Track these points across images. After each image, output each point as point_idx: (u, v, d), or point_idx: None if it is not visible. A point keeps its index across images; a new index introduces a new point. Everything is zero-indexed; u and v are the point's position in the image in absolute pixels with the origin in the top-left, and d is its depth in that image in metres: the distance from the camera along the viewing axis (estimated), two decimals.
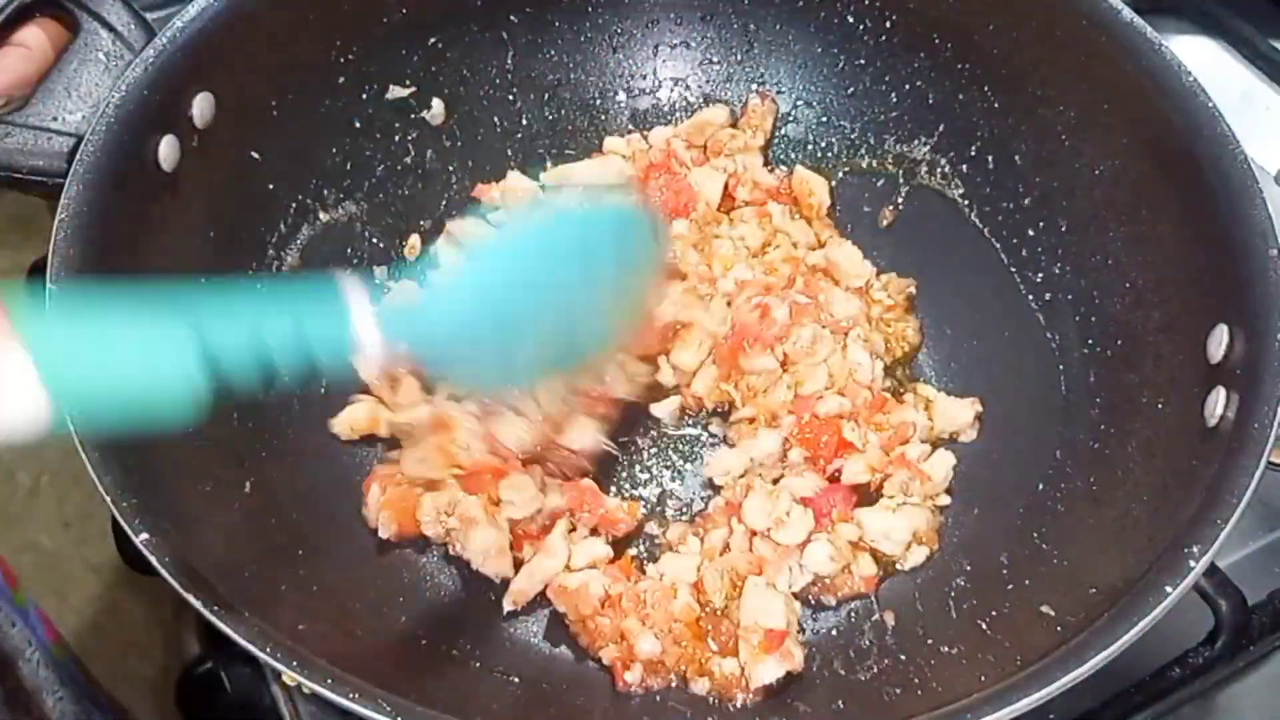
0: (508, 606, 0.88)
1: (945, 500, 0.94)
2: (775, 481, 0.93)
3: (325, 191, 1.00)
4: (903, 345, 1.02)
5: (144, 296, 0.55)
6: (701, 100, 1.11)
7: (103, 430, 0.49)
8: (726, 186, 1.06)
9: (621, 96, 1.11)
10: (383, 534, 0.90)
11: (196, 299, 0.56)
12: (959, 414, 0.97)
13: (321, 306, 0.59)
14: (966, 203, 1.02)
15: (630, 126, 1.11)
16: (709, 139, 1.09)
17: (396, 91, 1.02)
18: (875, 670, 0.85)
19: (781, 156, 1.11)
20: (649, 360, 0.97)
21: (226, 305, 0.55)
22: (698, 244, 1.03)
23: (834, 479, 0.93)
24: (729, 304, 0.99)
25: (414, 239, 1.05)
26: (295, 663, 0.65)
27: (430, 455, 0.91)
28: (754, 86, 1.10)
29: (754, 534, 0.90)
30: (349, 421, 0.94)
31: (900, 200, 1.06)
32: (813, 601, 0.90)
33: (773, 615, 0.84)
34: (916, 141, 1.05)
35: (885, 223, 1.06)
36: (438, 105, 1.04)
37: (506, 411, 0.88)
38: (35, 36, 0.89)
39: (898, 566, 0.91)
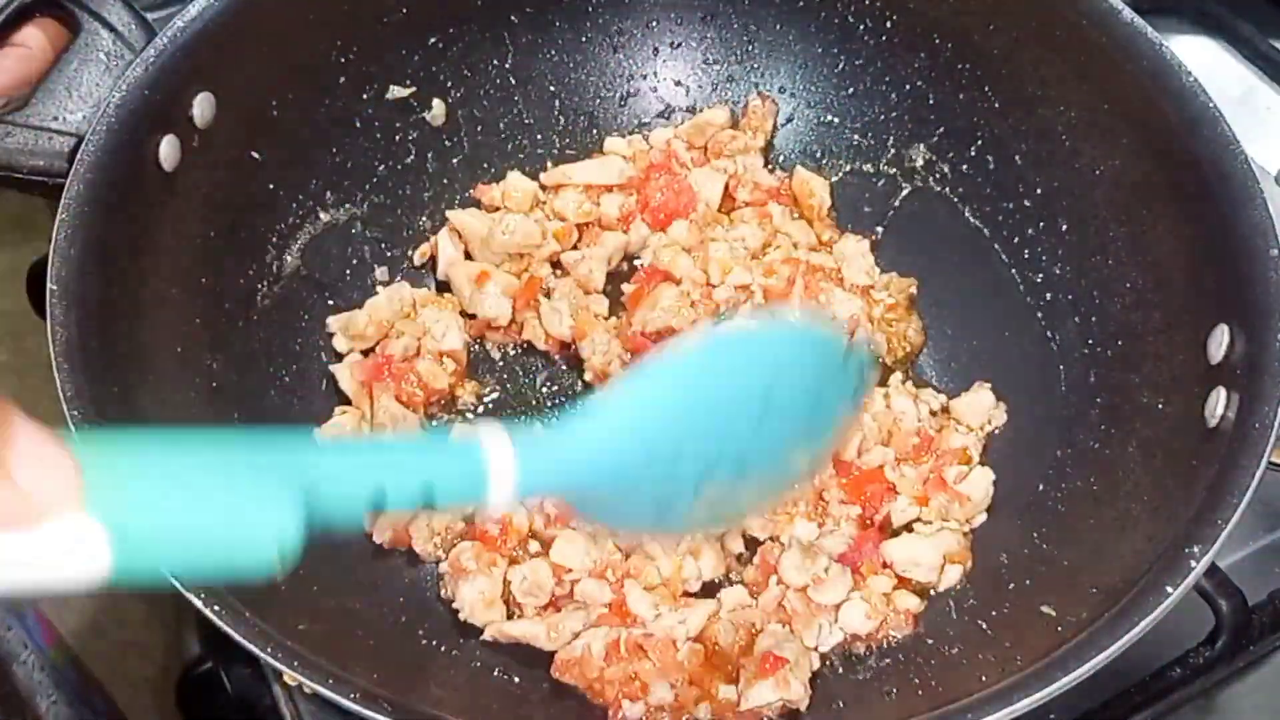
0: (488, 636, 0.86)
1: (982, 519, 0.92)
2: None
3: (325, 191, 1.00)
4: (904, 345, 1.01)
5: (245, 444, 0.51)
6: (702, 101, 1.11)
7: (175, 577, 0.49)
8: (727, 187, 1.06)
9: (622, 96, 1.11)
10: (377, 539, 0.90)
11: (309, 457, 0.54)
12: (981, 400, 0.96)
13: (455, 462, 0.56)
14: (966, 203, 1.02)
15: (631, 127, 1.11)
16: (709, 140, 1.09)
17: (397, 92, 1.02)
18: (875, 670, 0.85)
19: (781, 157, 1.11)
20: None
21: (343, 465, 0.53)
22: (695, 247, 1.03)
23: (871, 522, 0.91)
24: None
25: (424, 246, 1.05)
26: (295, 663, 0.65)
27: None
28: (754, 87, 1.10)
29: (786, 589, 0.87)
30: (332, 431, 0.94)
31: (898, 203, 1.06)
32: (850, 655, 0.87)
33: (784, 650, 0.82)
34: (916, 141, 1.05)
35: (874, 237, 1.06)
36: (438, 106, 1.04)
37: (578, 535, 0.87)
38: (35, 37, 0.89)
39: (933, 591, 0.89)
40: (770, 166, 1.09)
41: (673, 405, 0.61)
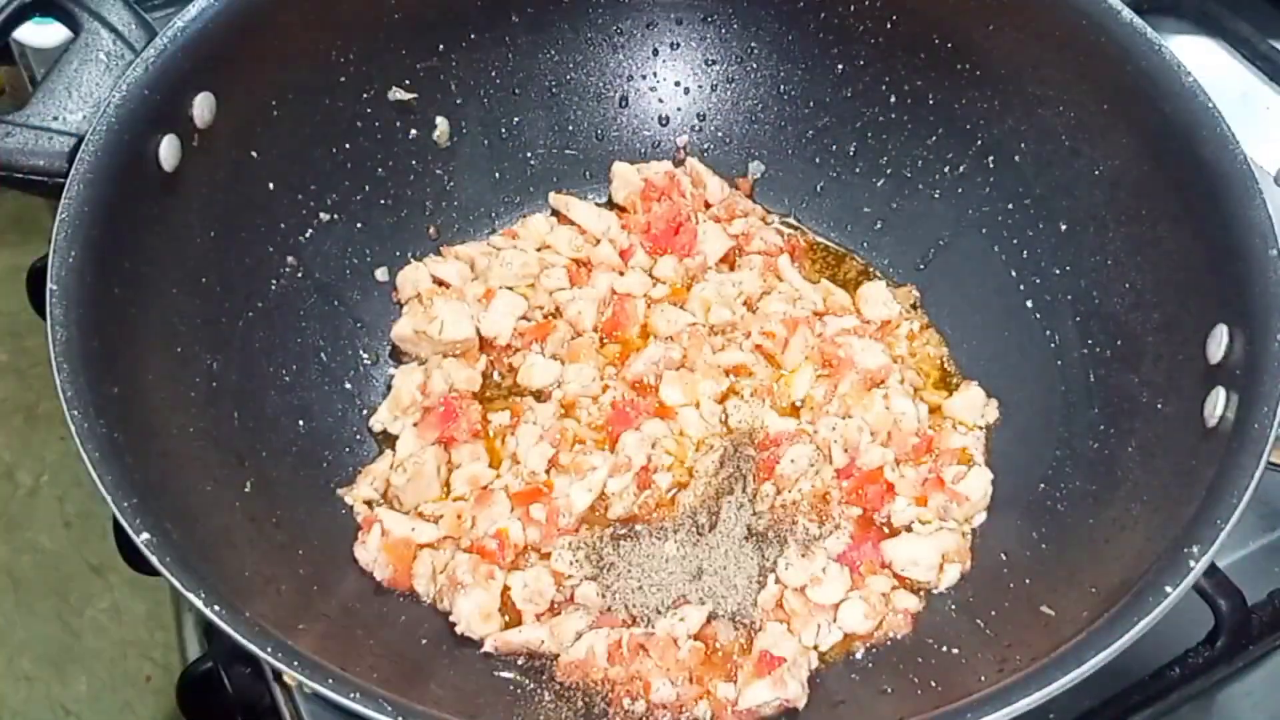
0: (489, 648, 0.85)
1: (981, 518, 0.92)
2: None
3: (325, 192, 0.99)
4: (934, 364, 1.01)
5: None
6: (702, 102, 1.11)
7: None
8: (737, 239, 1.06)
9: (621, 97, 1.11)
10: (378, 576, 0.89)
11: None
12: (972, 398, 0.96)
13: None
14: (966, 203, 1.02)
15: (630, 128, 1.11)
16: (724, 202, 1.09)
17: (397, 94, 1.02)
18: (873, 669, 0.85)
19: (781, 158, 1.11)
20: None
21: None
22: (680, 288, 1.03)
23: (871, 523, 0.92)
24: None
25: (431, 229, 1.06)
26: (295, 663, 0.65)
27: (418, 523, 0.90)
28: (754, 87, 1.10)
29: (785, 588, 0.87)
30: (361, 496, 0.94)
31: (897, 204, 1.07)
32: (848, 654, 0.87)
33: (782, 649, 0.83)
34: (916, 142, 1.05)
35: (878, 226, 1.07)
36: (442, 124, 1.05)
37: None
38: None
39: (933, 590, 0.89)
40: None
41: None
